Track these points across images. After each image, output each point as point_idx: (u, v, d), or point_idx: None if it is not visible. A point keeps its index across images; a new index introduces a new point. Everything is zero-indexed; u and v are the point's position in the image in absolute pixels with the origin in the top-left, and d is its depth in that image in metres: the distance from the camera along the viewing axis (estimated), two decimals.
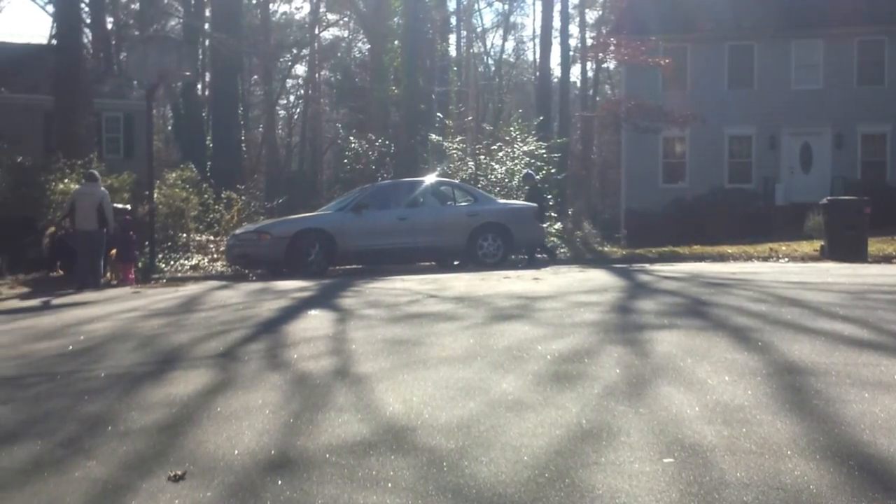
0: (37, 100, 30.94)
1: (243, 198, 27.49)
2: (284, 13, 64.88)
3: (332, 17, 62.72)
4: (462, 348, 7.87)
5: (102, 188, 18.26)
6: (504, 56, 69.89)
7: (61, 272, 18.99)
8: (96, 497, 4.69)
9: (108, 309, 12.42)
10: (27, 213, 21.46)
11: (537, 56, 56.98)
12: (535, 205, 21.71)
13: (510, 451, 5.01)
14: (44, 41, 49.65)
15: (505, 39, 69.63)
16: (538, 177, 24.29)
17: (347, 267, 19.71)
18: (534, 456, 4.92)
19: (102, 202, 17.34)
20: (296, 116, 69.70)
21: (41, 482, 4.95)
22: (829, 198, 23.14)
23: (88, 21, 40.52)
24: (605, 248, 26.60)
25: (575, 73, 57.29)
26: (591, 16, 53.07)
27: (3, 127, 26.11)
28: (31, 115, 30.66)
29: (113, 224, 17.49)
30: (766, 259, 21.21)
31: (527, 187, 23.09)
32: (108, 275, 18.26)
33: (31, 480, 5.00)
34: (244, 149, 46.58)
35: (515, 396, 6.14)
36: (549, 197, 25.55)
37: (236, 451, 5.24)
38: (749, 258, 21.56)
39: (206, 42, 45.47)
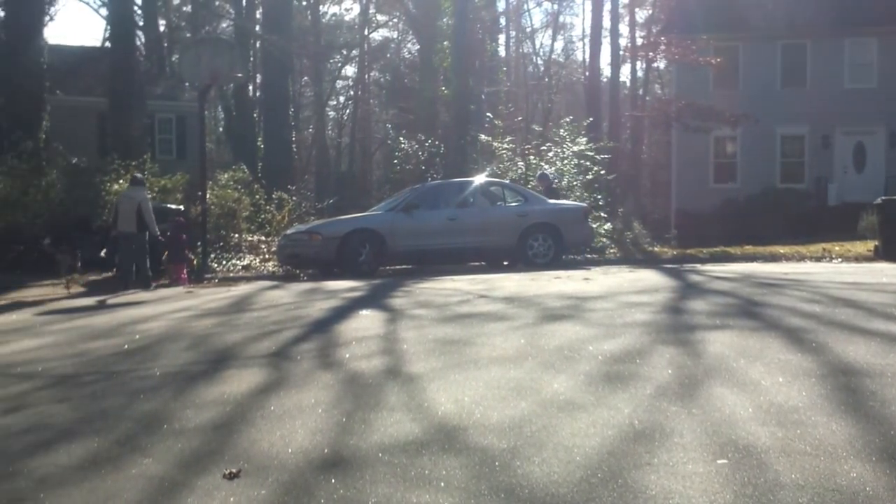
0: (91, 102, 31.35)
1: (294, 198, 27.69)
2: (334, 15, 65.24)
3: (381, 18, 62.96)
4: (513, 348, 7.87)
5: (145, 191, 18.32)
6: (553, 56, 69.73)
7: (114, 273, 19.20)
8: (153, 494, 4.75)
9: (162, 308, 12.56)
10: (82, 214, 21.75)
11: (587, 56, 56.77)
12: (584, 205, 21.65)
13: (562, 451, 5.01)
14: (97, 44, 50.43)
15: (554, 39, 69.54)
16: (552, 176, 23.93)
17: (397, 267, 19.76)
18: (586, 456, 4.91)
19: (141, 206, 17.47)
20: (345, 117, 70.00)
21: (99, 479, 5.03)
22: (883, 198, 22.81)
23: (141, 24, 41.00)
24: (656, 249, 26.43)
25: (625, 72, 56.98)
26: (641, 15, 52.69)
27: (59, 129, 26.53)
28: (85, 117, 31.07)
29: (154, 227, 17.54)
30: (818, 259, 20.96)
31: (541, 188, 22.85)
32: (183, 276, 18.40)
33: (89, 477, 5.07)
34: (294, 149, 46.84)
35: (567, 397, 6.13)
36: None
37: (290, 450, 5.28)
38: (801, 258, 21.32)
39: (258, 44, 45.78)
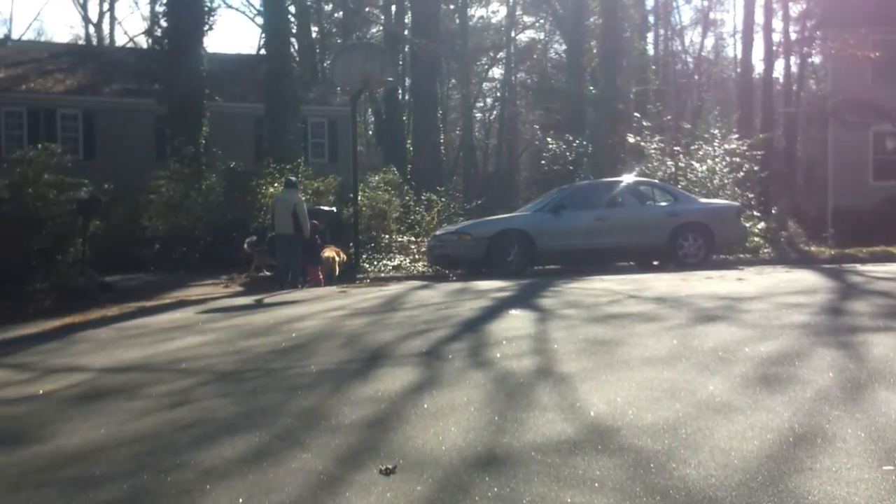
0: (247, 108, 32.28)
1: (443, 199, 27.95)
2: (481, 17, 65.48)
3: (528, 19, 62.90)
4: (665, 349, 7.79)
5: (299, 194, 18.69)
6: (703, 53, 68.42)
7: (269, 273, 19.71)
8: (313, 488, 4.88)
9: (316, 308, 12.85)
10: (239, 216, 22.43)
11: (738, 52, 55.42)
12: (737, 203, 21.18)
13: (719, 454, 4.94)
14: (252, 51, 51.88)
15: (704, 36, 67.91)
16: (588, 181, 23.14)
17: (545, 267, 19.73)
18: (744, 460, 4.83)
19: (296, 208, 17.84)
20: (492, 118, 70.20)
21: (261, 472, 5.19)
22: None
23: (294, 30, 41.98)
24: (812, 248, 25.65)
25: (778, 68, 55.40)
26: (795, 9, 51.18)
27: (217, 134, 27.38)
28: (242, 122, 32.00)
29: (307, 229, 17.89)
30: None
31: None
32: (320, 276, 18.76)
33: (252, 470, 5.24)
34: (443, 151, 47.25)
35: (723, 399, 6.03)
36: None
37: (444, 447, 5.35)
38: None
39: (406, 48, 46.35)
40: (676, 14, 66.41)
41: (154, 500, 4.91)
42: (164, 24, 29.06)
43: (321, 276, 18.29)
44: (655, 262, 19.66)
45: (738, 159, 26.07)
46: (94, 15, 55.01)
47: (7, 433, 6.63)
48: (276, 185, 22.26)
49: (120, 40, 54.38)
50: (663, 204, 19.85)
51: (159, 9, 30.52)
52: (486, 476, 4.82)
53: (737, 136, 27.48)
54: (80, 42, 52.58)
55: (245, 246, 20.03)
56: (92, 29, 54.79)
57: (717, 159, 26.14)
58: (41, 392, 7.92)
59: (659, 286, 12.96)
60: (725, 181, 25.49)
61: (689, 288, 12.54)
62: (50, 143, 20.13)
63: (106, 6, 55.68)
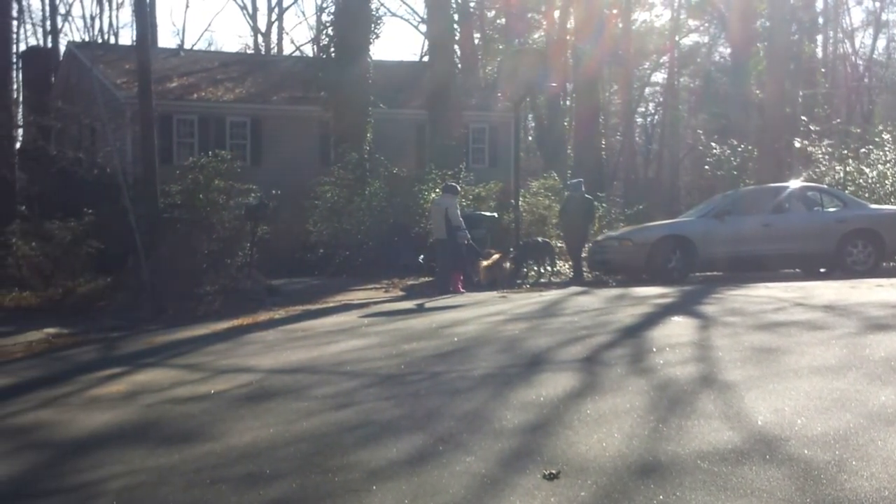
0: (410, 114, 32.68)
1: (604, 205, 27.73)
2: (644, 21, 64.69)
3: (692, 23, 61.82)
4: (834, 358, 7.58)
5: (453, 198, 18.52)
6: (874, 55, 65.95)
7: (430, 277, 19.89)
8: (477, 491, 4.93)
9: (475, 312, 12.93)
10: (402, 221, 22.77)
11: None
12: None
13: (892, 466, 4.78)
14: (415, 58, 52.58)
15: (875, 38, 65.41)
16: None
17: (706, 273, 19.37)
18: None
19: (448, 211, 17.88)
20: (654, 123, 69.31)
21: (426, 474, 5.28)
22: None
23: (457, 37, 42.37)
24: None
25: None
26: None
27: (381, 140, 27.78)
28: (404, 128, 32.38)
29: (457, 232, 17.78)
30: None
31: (566, 192, 21.62)
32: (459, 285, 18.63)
33: (417, 472, 5.33)
34: (604, 156, 46.90)
35: (895, 410, 5.83)
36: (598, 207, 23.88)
37: (607, 454, 5.33)
38: None
39: (569, 53, 46.17)
40: (846, 15, 64.17)
41: (322, 499, 5.06)
42: (330, 32, 29.72)
43: (460, 283, 18.13)
44: (822, 270, 19.08)
45: None
46: (262, 25, 56.62)
47: (181, 431, 6.92)
48: (437, 190, 22.48)
49: (287, 49, 55.60)
50: (831, 210, 19.24)
51: (326, 18, 31.03)
52: (651, 483, 4.79)
53: None
54: (249, 51, 54.20)
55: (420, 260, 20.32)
56: (260, 38, 56.38)
57: (888, 164, 25.19)
58: (212, 392, 8.23)
59: (826, 294, 12.58)
60: None
61: (858, 296, 12.12)
62: (220, 150, 20.82)
63: (274, 16, 57.19)
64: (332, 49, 28.79)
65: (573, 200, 20.38)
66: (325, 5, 49.58)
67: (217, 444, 6.35)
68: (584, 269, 20.28)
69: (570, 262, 20.46)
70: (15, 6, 38.59)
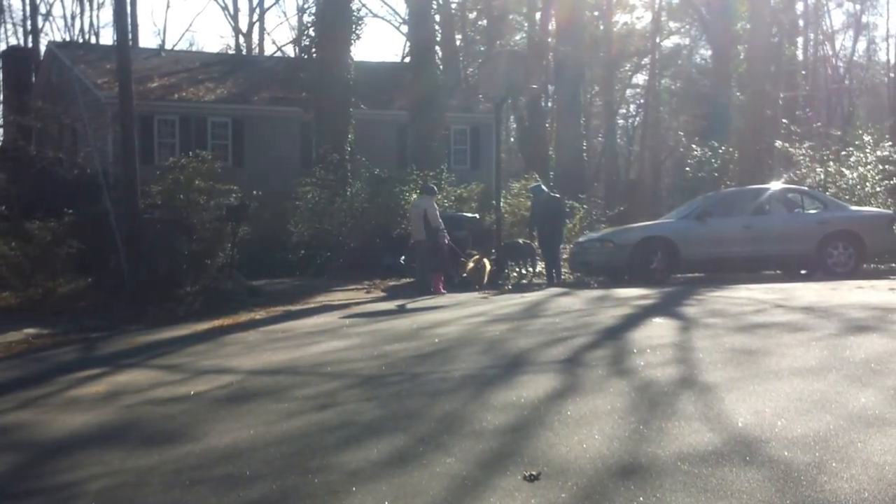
0: (391, 115, 32.65)
1: (585, 206, 27.79)
2: (625, 23, 64.82)
3: (673, 25, 62.01)
4: (814, 360, 7.62)
5: (431, 199, 18.51)
6: (854, 57, 66.28)
7: (412, 279, 19.86)
8: (456, 492, 4.93)
9: (457, 313, 12.94)
10: (383, 222, 22.73)
11: (891, 56, 53.68)
12: (890, 212, 20.48)
13: (872, 468, 4.80)
14: (396, 59, 52.54)
15: (856, 40, 65.71)
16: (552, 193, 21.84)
17: (687, 275, 19.43)
18: None
19: (427, 212, 17.91)
20: (635, 125, 69.50)
21: (406, 475, 5.28)
22: None
23: (438, 38, 42.35)
24: None
25: None
26: None
27: (362, 141, 27.73)
28: (386, 129, 32.38)
29: (435, 233, 17.80)
30: None
31: (530, 196, 21.69)
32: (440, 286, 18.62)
33: (397, 473, 5.33)
34: (585, 158, 46.98)
35: (876, 412, 5.87)
36: (571, 213, 23.91)
37: (588, 455, 5.34)
38: None
39: (550, 55, 46.23)
40: (827, 18, 64.40)
41: (302, 500, 5.05)
42: (312, 33, 29.65)
43: (441, 284, 18.13)
44: (803, 271, 19.15)
45: (890, 167, 25.20)
46: (244, 25, 56.58)
47: (161, 432, 6.90)
48: (418, 191, 22.47)
49: (269, 50, 55.63)
50: (812, 211, 19.33)
51: (307, 19, 31.14)
52: (631, 485, 4.80)
53: (890, 143, 26.56)
54: (231, 52, 54.06)
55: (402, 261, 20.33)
56: (242, 39, 56.33)
57: (868, 166, 25.33)
58: (192, 392, 8.21)
59: (807, 295, 12.64)
60: (877, 189, 24.68)
61: (838, 297, 12.18)
62: (201, 151, 20.76)
63: (255, 17, 57.18)
64: (314, 49, 28.69)
65: (540, 204, 20.27)
66: (306, 6, 49.77)
67: (197, 446, 6.34)
68: (565, 270, 20.29)
69: (544, 266, 20.33)
70: None
